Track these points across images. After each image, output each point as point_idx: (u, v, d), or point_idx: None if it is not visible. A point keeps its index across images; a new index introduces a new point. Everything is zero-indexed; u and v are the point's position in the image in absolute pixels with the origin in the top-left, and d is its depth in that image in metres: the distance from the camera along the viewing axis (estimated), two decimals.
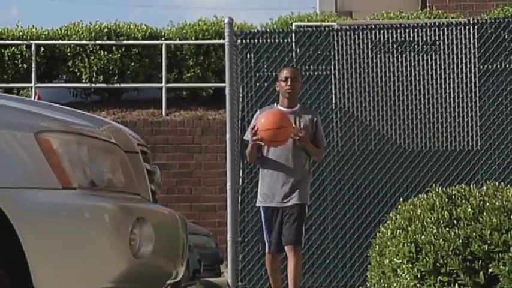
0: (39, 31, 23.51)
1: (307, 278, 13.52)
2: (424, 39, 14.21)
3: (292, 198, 10.18)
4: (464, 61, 14.06)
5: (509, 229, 6.77)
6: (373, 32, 14.36)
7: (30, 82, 22.68)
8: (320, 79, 13.94)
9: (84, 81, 23.07)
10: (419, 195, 8.20)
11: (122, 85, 23.12)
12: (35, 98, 21.21)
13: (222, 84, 16.59)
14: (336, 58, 14.04)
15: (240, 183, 13.83)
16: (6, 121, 5.50)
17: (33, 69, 22.72)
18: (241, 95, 14.01)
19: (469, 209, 7.05)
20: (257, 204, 10.52)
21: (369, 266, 11.13)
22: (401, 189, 13.51)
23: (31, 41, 23.02)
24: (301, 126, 10.30)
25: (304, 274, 12.98)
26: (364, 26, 14.97)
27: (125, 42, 23.13)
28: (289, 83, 10.41)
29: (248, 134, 10.38)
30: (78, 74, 23.10)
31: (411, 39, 14.23)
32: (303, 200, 10.27)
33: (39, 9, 74.97)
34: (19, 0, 75.41)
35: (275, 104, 10.78)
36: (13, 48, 23.11)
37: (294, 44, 14.08)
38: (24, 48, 23.04)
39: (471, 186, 7.74)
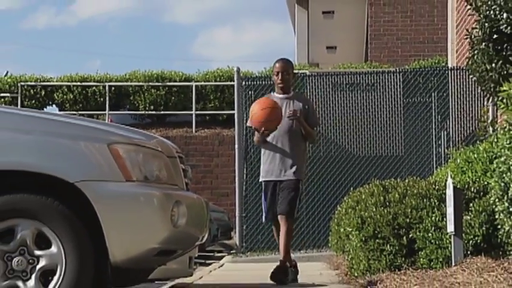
0: (111, 76, 23.58)
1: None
2: (367, 81, 14.24)
3: (287, 173, 7.97)
4: (393, 96, 14.09)
5: (423, 208, 6.76)
6: (333, 77, 14.43)
7: (105, 110, 22.72)
8: None
9: (140, 109, 23.12)
10: (364, 185, 8.19)
11: (166, 112, 23.17)
12: (108, 121, 21.24)
13: (232, 112, 16.56)
14: (308, 94, 14.04)
15: (244, 178, 13.88)
16: (89, 136, 5.50)
17: (107, 102, 22.76)
18: (245, 119, 14.06)
19: (397, 195, 7.04)
20: (260, 180, 8.29)
21: (330, 232, 11.14)
22: (351, 181, 13.51)
23: (106, 83, 23.07)
24: (294, 109, 8.10)
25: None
26: (327, 73, 15.08)
27: (168, 83, 23.17)
28: (280, 77, 8.16)
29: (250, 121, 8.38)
30: (137, 105, 23.15)
31: (358, 81, 14.27)
32: (297, 176, 8.02)
33: (113, 61, 75.04)
34: (102, 56, 75.51)
35: (271, 93, 8.56)
36: (94, 87, 23.17)
37: None
38: (101, 88, 23.09)
39: (398, 180, 7.72)
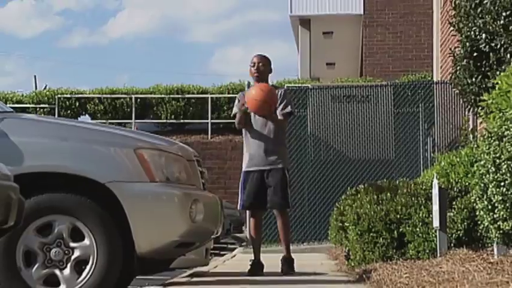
0: (137, 89, 23.63)
1: (293, 234, 13.48)
2: (362, 94, 14.24)
3: (273, 163, 7.22)
4: (385, 107, 14.08)
5: (411, 206, 6.73)
6: (332, 90, 14.43)
7: (131, 119, 22.74)
8: (301, 117, 13.95)
9: (163, 118, 23.13)
10: (359, 185, 8.16)
11: (185, 121, 23.18)
12: (134, 129, 21.25)
13: None
14: (310, 105, 14.04)
15: None
16: (118, 142, 5.51)
17: (133, 112, 22.79)
18: None
19: (388, 194, 7.02)
20: (243, 170, 7.46)
21: (329, 227, 11.12)
22: (348, 181, 13.47)
23: (132, 95, 23.11)
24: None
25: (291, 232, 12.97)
26: (327, 86, 15.08)
27: (186, 95, 23.20)
28: (255, 67, 7.37)
29: (234, 110, 7.47)
30: (160, 114, 23.18)
31: (354, 94, 14.26)
32: (283, 165, 7.27)
33: (139, 75, 75.18)
34: (129, 71, 75.68)
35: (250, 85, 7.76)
36: (121, 99, 23.21)
37: None
38: (128, 99, 23.12)
39: (389, 181, 7.70)
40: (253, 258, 7.34)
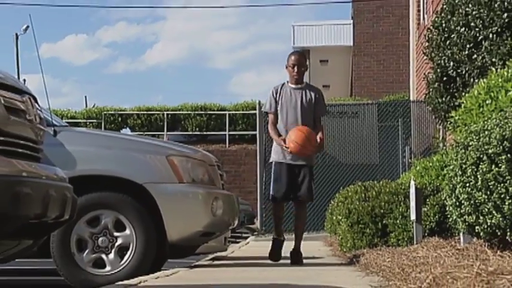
0: (168, 106, 23.68)
1: (290, 226, 13.46)
2: (352, 110, 14.22)
3: (306, 159, 6.14)
4: (371, 121, 14.07)
5: (393, 202, 6.70)
6: (328, 107, 14.39)
7: (164, 131, 22.77)
8: None
9: (189, 131, 23.16)
10: (350, 185, 8.14)
11: (207, 133, 23.19)
12: (166, 139, 21.28)
13: (255, 132, 16.57)
14: None
15: (263, 180, 13.86)
16: (153, 150, 5.51)
17: (165, 125, 22.82)
18: (264, 139, 14.04)
19: (374, 192, 6.99)
20: (270, 161, 6.27)
21: (325, 219, 11.09)
22: (341, 182, 13.44)
23: (164, 112, 23.14)
24: (307, 99, 6.20)
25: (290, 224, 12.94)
26: None
27: (208, 112, 23.22)
28: (296, 70, 6.17)
29: (267, 105, 6.38)
30: (186, 127, 23.21)
31: (345, 110, 14.25)
32: (311, 162, 6.25)
33: (170, 95, 75.29)
34: (163, 92, 75.68)
35: (286, 82, 6.28)
36: (156, 115, 23.24)
37: None
38: (161, 115, 23.15)
39: (374, 182, 7.67)
40: (275, 236, 6.42)
